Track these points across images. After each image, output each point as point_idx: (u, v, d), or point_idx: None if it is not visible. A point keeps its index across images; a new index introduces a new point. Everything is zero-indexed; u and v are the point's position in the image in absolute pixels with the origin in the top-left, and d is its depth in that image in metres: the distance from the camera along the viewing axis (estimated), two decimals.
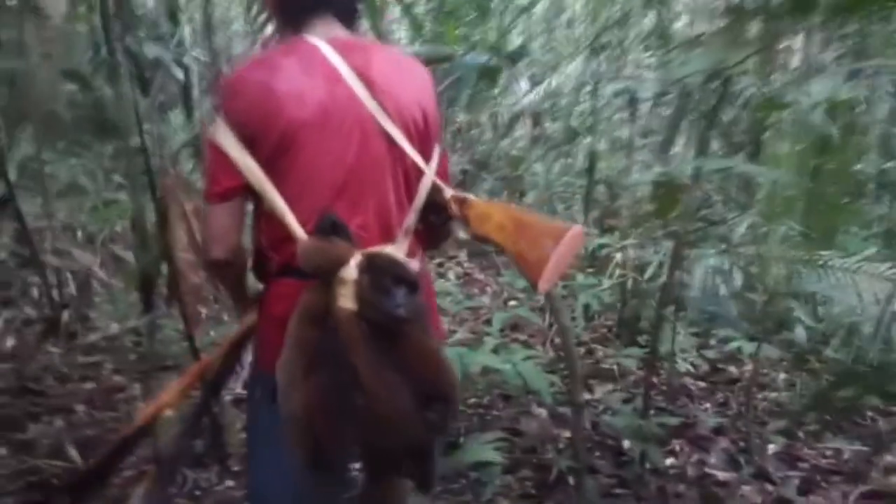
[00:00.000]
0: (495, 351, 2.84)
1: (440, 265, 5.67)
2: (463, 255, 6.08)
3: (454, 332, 4.03)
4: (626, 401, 3.32)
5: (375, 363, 1.10)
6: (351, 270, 1.14)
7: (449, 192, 1.37)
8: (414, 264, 1.26)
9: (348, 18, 1.35)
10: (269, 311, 1.34)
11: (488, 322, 4.31)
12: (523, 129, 7.25)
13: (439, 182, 1.38)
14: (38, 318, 3.68)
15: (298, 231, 1.23)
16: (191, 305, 2.11)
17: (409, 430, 1.13)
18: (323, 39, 1.28)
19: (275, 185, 1.23)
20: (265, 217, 1.30)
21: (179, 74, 4.85)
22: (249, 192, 1.27)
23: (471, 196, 1.36)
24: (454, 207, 1.36)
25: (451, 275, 5.54)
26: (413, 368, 1.14)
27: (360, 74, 1.25)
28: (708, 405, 3.45)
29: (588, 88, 5.75)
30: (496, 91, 6.21)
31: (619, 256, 4.12)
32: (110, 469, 1.55)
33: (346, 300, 1.12)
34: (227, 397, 2.80)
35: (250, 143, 1.22)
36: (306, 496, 1.32)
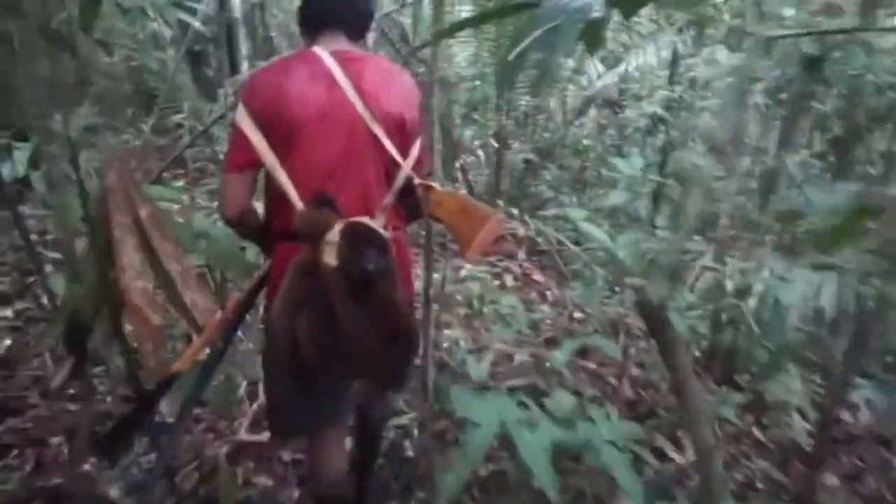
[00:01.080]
0: (569, 420, 2.03)
1: (497, 269, 5.06)
2: (522, 254, 5.47)
3: (512, 356, 3.44)
4: (725, 464, 2.66)
5: (349, 306, 1.42)
6: (334, 235, 1.43)
7: (417, 181, 1.70)
8: (386, 233, 1.51)
9: (355, 34, 1.69)
10: (273, 268, 1.66)
11: (552, 342, 3.70)
12: (595, 117, 6.55)
13: (411, 172, 1.70)
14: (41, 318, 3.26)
15: (297, 202, 1.56)
16: (146, 354, 1.58)
17: (372, 357, 1.47)
18: (328, 51, 1.62)
19: (281, 165, 1.57)
20: (272, 191, 1.62)
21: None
22: (260, 169, 1.60)
23: (435, 185, 1.68)
24: (420, 193, 1.69)
25: (508, 279, 4.93)
26: (379, 313, 1.46)
27: (353, 82, 1.59)
28: (833, 478, 2.75)
29: (669, 71, 5.04)
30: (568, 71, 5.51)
31: (707, 272, 3.42)
32: (144, 414, 1.81)
33: (330, 258, 1.41)
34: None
35: (264, 130, 1.55)
36: (308, 403, 1.66)
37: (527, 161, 5.81)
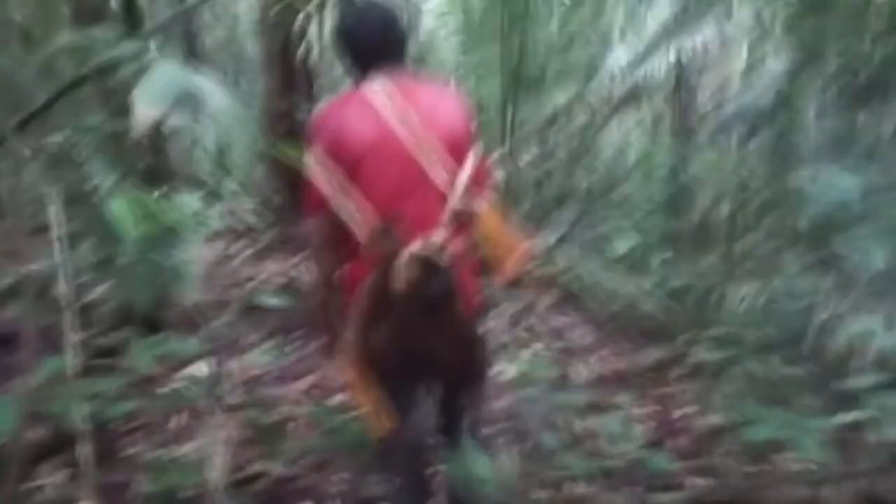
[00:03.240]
0: None
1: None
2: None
3: None
4: None
5: (420, 323, 1.62)
6: (400, 263, 1.58)
7: (472, 203, 1.77)
8: (447, 254, 1.62)
9: (398, 61, 1.79)
10: (349, 292, 1.77)
11: None
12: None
13: (460, 192, 1.75)
14: None
15: (362, 231, 1.69)
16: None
17: (443, 363, 1.71)
18: (378, 85, 1.72)
19: (346, 197, 1.70)
20: (343, 222, 1.73)
21: None
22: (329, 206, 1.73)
23: (481, 207, 1.78)
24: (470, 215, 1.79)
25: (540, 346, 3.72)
26: (446, 327, 1.66)
27: (404, 110, 1.69)
28: None
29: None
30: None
31: None
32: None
33: (399, 283, 1.58)
34: None
35: (329, 166, 1.70)
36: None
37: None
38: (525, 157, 4.30)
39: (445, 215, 1.71)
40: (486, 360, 1.79)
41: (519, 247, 1.77)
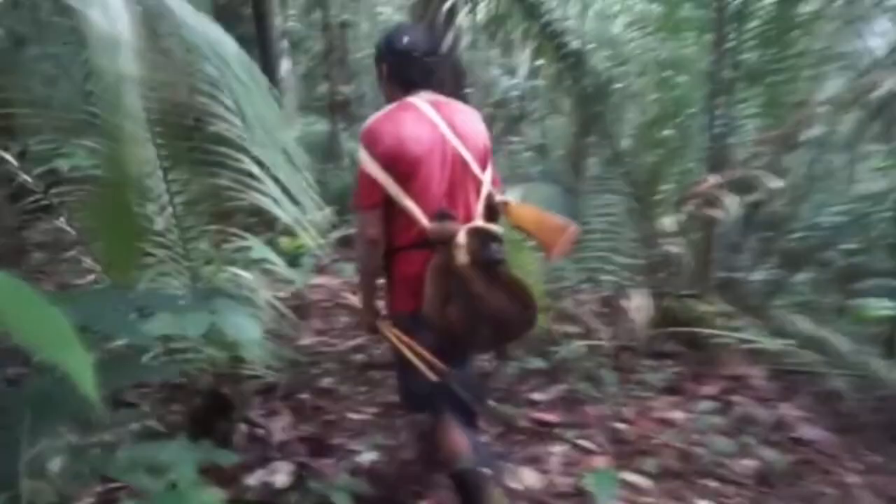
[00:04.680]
0: None
1: None
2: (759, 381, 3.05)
3: None
4: None
5: (486, 288, 1.91)
6: (461, 239, 1.90)
7: (497, 197, 2.13)
8: (496, 228, 2.01)
9: (437, 87, 2.08)
10: (399, 274, 2.04)
11: None
12: None
13: (492, 189, 2.12)
14: None
15: (423, 220, 1.94)
16: None
17: (514, 323, 2.00)
18: (422, 100, 2.01)
19: (404, 194, 1.94)
20: (395, 216, 1.98)
21: None
22: (385, 202, 1.97)
23: (509, 199, 2.13)
24: (500, 206, 2.12)
25: None
26: (510, 288, 1.94)
27: (448, 122, 1.99)
28: None
29: None
30: None
31: None
32: None
33: (462, 257, 1.88)
34: None
35: (387, 169, 1.92)
36: (436, 388, 2.01)
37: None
38: (736, 180, 3.18)
39: (481, 205, 2.06)
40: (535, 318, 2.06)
41: (564, 226, 2.03)
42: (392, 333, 2.07)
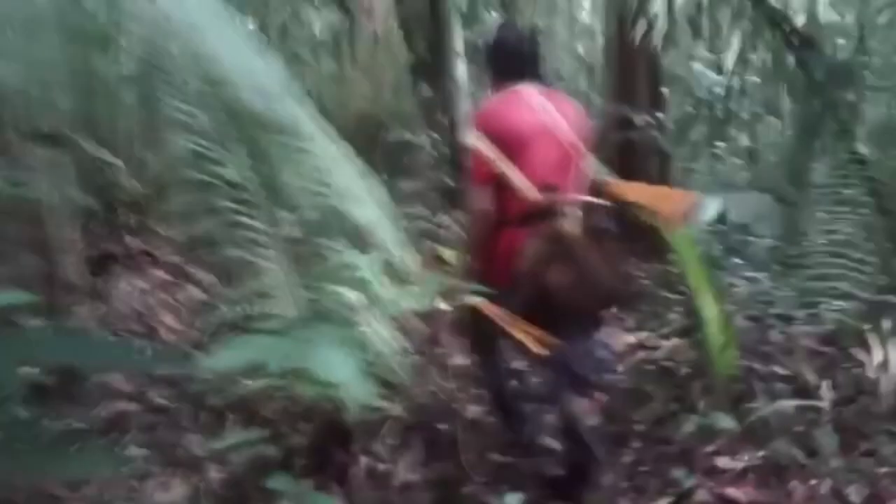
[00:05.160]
0: None
1: None
2: None
3: None
4: None
5: (597, 258, 2.04)
6: (573, 210, 2.06)
7: (598, 178, 2.32)
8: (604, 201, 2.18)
9: (538, 77, 2.29)
10: (503, 248, 2.17)
11: None
12: None
13: (592, 171, 2.32)
14: None
15: (532, 192, 2.10)
16: None
17: (616, 290, 2.19)
18: (526, 89, 2.22)
19: (518, 167, 2.12)
20: (503, 192, 2.14)
21: None
22: (494, 179, 2.15)
23: (610, 179, 2.30)
24: (601, 186, 2.26)
25: None
26: (614, 258, 2.10)
27: (548, 109, 2.18)
28: None
29: None
30: None
31: None
32: None
33: (573, 227, 2.04)
34: None
35: (498, 148, 2.10)
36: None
37: None
38: None
39: (584, 186, 2.24)
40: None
41: (677, 193, 2.39)
42: (492, 310, 2.16)
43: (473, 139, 2.15)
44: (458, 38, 5.01)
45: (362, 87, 5.83)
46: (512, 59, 2.27)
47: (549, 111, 2.17)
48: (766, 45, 3.95)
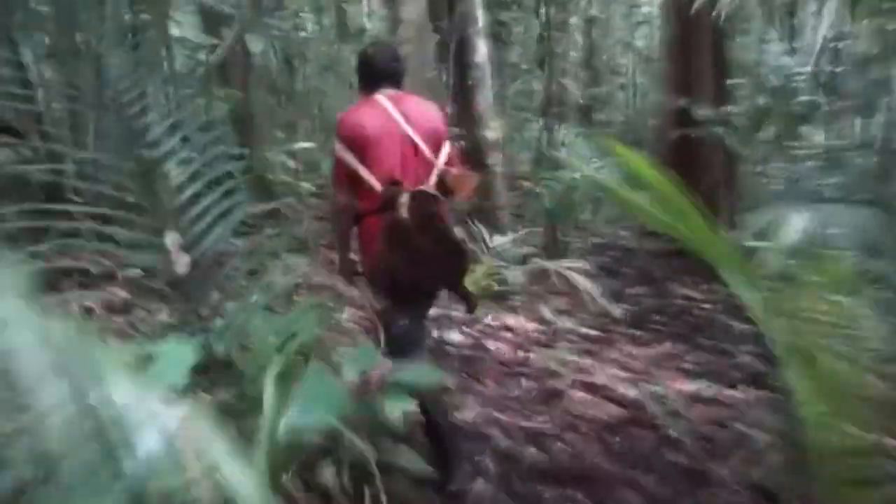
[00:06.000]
0: None
1: None
2: None
3: None
4: None
5: (421, 238, 2.28)
6: (404, 199, 2.25)
7: (441, 169, 2.54)
8: (433, 191, 2.42)
9: (398, 83, 2.61)
10: (364, 236, 2.49)
11: None
12: None
13: (440, 165, 2.54)
14: None
15: (377, 186, 2.37)
16: None
17: (441, 266, 2.38)
18: (384, 96, 2.51)
19: (364, 167, 2.42)
20: (359, 189, 2.43)
21: None
22: (350, 177, 2.46)
23: (452, 170, 2.53)
24: (450, 179, 2.52)
25: None
26: (439, 238, 2.32)
27: (401, 113, 2.47)
28: None
29: None
30: None
31: None
32: None
33: (403, 213, 2.25)
34: None
35: (350, 149, 2.43)
36: (408, 328, 2.47)
37: None
38: None
39: (432, 178, 2.49)
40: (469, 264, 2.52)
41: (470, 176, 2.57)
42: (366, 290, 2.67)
43: (336, 146, 2.53)
44: (481, 14, 4.34)
45: None
46: (371, 72, 2.60)
47: (395, 115, 2.48)
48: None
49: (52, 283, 3.12)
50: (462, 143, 4.05)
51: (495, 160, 4.13)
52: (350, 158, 2.44)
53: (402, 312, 2.45)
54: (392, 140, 2.44)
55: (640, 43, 13.51)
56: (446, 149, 2.60)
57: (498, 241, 3.42)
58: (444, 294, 2.66)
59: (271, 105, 6.12)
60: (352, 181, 2.47)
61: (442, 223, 2.36)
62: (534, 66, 7.01)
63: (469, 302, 2.52)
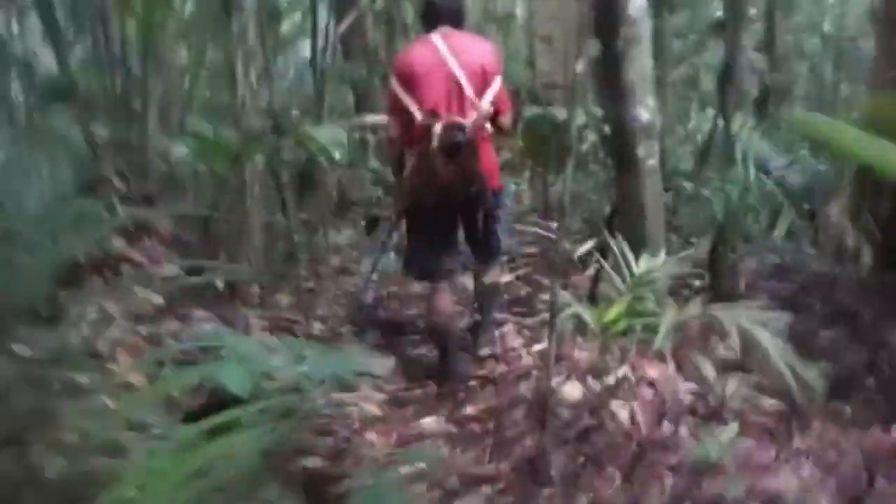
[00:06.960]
0: None
1: None
2: None
3: None
4: None
5: (445, 164, 2.74)
6: (438, 128, 2.71)
7: (488, 108, 2.99)
8: (466, 122, 2.88)
9: (457, 24, 3.02)
10: (405, 165, 3.00)
11: None
12: None
13: (481, 103, 2.95)
14: None
15: (419, 116, 2.86)
16: None
17: (460, 191, 2.84)
18: (438, 35, 2.97)
19: (412, 100, 2.90)
20: (408, 121, 2.92)
21: None
22: (401, 109, 2.97)
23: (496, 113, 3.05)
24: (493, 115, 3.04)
25: None
26: (461, 167, 2.75)
27: (451, 50, 2.88)
28: None
29: None
30: None
31: None
32: None
33: (434, 141, 2.69)
34: None
35: (402, 84, 2.92)
36: (430, 255, 3.05)
37: None
38: None
39: (472, 113, 2.84)
40: (491, 203, 2.93)
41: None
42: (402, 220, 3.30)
43: (391, 79, 3.01)
44: None
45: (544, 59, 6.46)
46: (431, 13, 3.01)
47: (444, 53, 2.87)
48: None
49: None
50: (605, 126, 3.19)
51: (649, 150, 3.09)
52: (401, 92, 2.94)
53: (420, 240, 3.03)
54: (438, 76, 2.90)
55: (826, 27, 11.60)
56: (495, 86, 3.01)
57: (646, 264, 2.45)
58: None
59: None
60: (402, 114, 2.97)
61: (467, 157, 2.77)
62: (709, 35, 5.68)
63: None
